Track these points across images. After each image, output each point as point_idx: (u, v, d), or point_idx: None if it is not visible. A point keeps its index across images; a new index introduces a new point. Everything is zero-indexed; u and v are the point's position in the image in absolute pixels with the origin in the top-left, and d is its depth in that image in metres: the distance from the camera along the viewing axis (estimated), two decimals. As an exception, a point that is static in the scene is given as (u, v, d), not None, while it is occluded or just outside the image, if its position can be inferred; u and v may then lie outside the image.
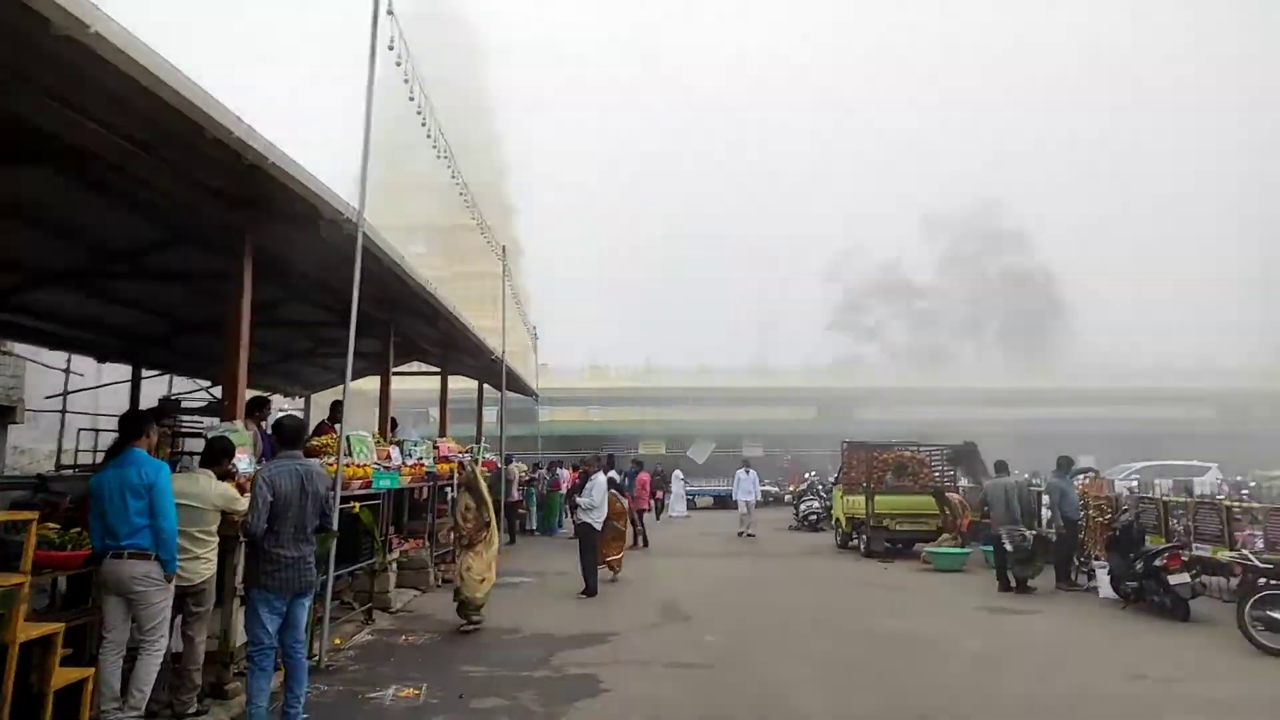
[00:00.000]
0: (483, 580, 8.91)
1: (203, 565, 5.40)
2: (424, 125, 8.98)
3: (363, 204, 7.22)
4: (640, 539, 17.51)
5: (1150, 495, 12.18)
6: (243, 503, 5.36)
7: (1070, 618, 9.98)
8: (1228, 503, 10.54)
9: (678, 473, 30.04)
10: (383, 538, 9.44)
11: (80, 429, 14.19)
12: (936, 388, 47.11)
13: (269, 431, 7.31)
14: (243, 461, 6.37)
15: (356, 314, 7.76)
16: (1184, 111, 67.54)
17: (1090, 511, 12.75)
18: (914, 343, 64.17)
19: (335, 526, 6.77)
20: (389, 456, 9.46)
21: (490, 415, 24.89)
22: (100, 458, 10.84)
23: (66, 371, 15.66)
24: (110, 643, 4.86)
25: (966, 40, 72.88)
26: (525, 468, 22.05)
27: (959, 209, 63.06)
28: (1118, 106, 70.90)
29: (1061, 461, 12.65)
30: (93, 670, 4.72)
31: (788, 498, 29.34)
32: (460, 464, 9.81)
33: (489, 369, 17.57)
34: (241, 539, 5.55)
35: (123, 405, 14.84)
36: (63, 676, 4.45)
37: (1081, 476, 13.66)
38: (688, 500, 30.13)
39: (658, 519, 25.03)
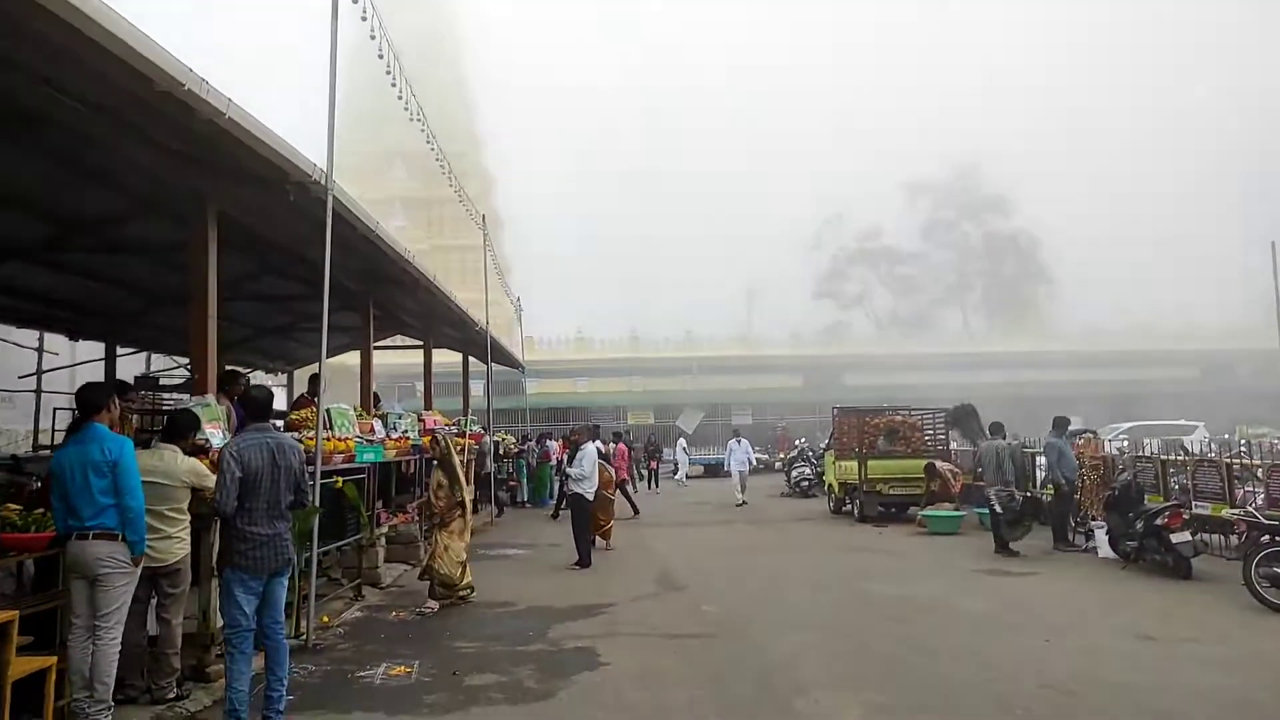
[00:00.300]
0: (460, 561, 8.62)
1: (175, 545, 5.11)
2: (392, 81, 8.55)
3: (330, 164, 6.83)
4: (631, 508, 17.38)
5: (1148, 454, 12.05)
6: (213, 478, 5.05)
7: (1070, 579, 9.87)
8: (1227, 460, 10.40)
9: (682, 441, 30.35)
10: (369, 512, 9.16)
11: (56, 408, 13.77)
12: (922, 353, 47.19)
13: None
14: (215, 436, 6.08)
15: (332, 285, 7.41)
16: (1161, 65, 67.13)
17: (1086, 472, 12.63)
18: (899, 309, 64.28)
19: (314, 501, 6.51)
20: (372, 430, 9.17)
21: (477, 389, 24.63)
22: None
23: (39, 350, 15.24)
24: (79, 628, 4.57)
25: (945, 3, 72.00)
26: (513, 440, 21.79)
27: (940, 173, 62.49)
28: (1095, 60, 70.34)
29: (1058, 421, 12.51)
30: (53, 660, 4.43)
31: (778, 464, 29.29)
32: (434, 438, 9.33)
33: (473, 341, 17.25)
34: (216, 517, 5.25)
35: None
36: (21, 666, 4.16)
37: (1078, 438, 13.53)
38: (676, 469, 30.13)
39: (651, 488, 24.90)
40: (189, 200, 6.87)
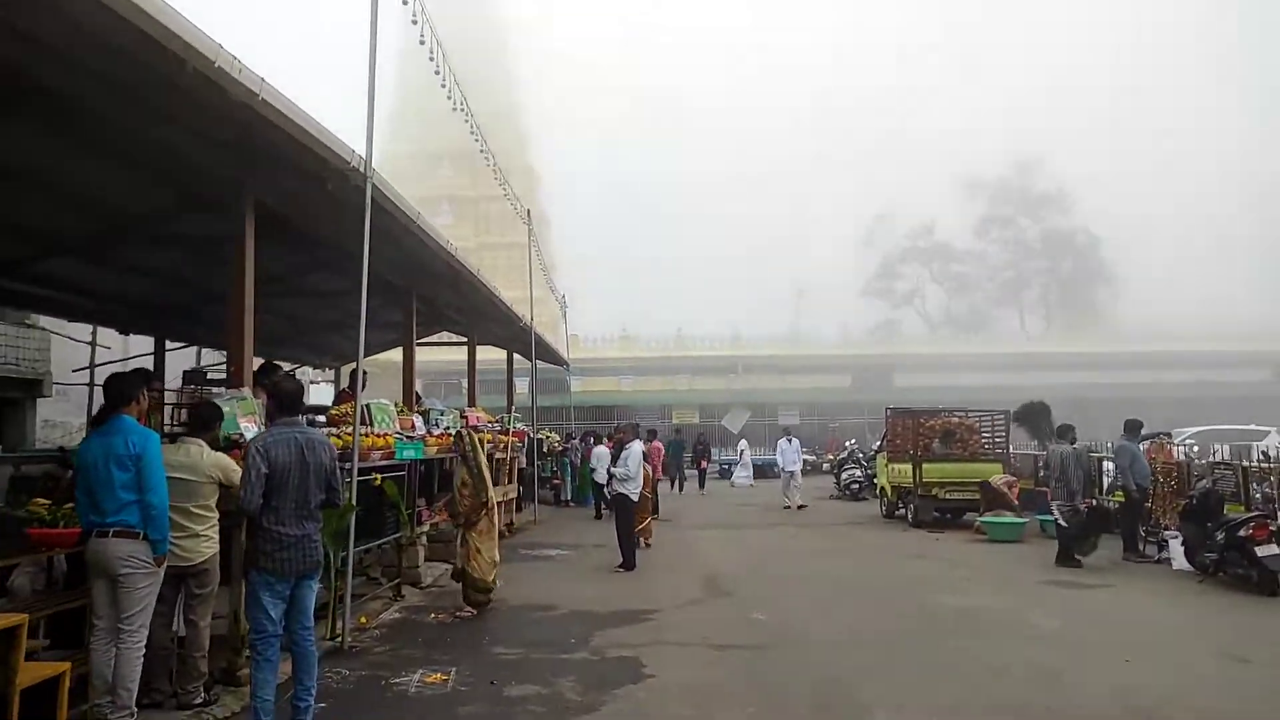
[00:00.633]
0: (493, 563, 8.30)
1: (203, 543, 4.89)
2: (441, 82, 8.36)
3: (369, 153, 6.59)
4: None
5: (1228, 460, 11.30)
6: (240, 474, 4.82)
7: (1146, 592, 9.25)
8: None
9: (744, 443, 29.96)
10: (409, 510, 8.94)
11: (106, 402, 13.89)
12: (977, 353, 45.96)
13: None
14: (250, 430, 5.86)
15: (375, 280, 7.24)
16: (1231, 55, 64.29)
17: (1159, 477, 11.91)
18: (952, 308, 62.78)
19: (348, 499, 6.28)
20: (413, 426, 8.95)
21: (522, 387, 24.49)
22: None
23: (92, 344, 15.47)
24: (101, 630, 4.38)
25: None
26: (557, 437, 21.57)
27: (996, 168, 60.83)
28: (1160, 50, 67.60)
29: (1130, 424, 11.78)
30: (66, 666, 4.23)
31: (826, 466, 28.68)
32: (458, 434, 8.94)
33: (518, 338, 17.05)
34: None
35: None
36: (32, 673, 3.96)
37: (1150, 442, 12.79)
38: (726, 469, 29.93)
39: (700, 490, 24.51)
40: (228, 190, 6.70)
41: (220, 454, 5.05)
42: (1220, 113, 63.69)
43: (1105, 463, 13.68)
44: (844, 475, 22.56)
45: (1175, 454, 12.80)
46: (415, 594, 9.07)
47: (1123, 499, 11.98)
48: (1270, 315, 47.60)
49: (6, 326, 14.20)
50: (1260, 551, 8.88)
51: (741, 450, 29.27)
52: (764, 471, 27.94)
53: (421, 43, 8.15)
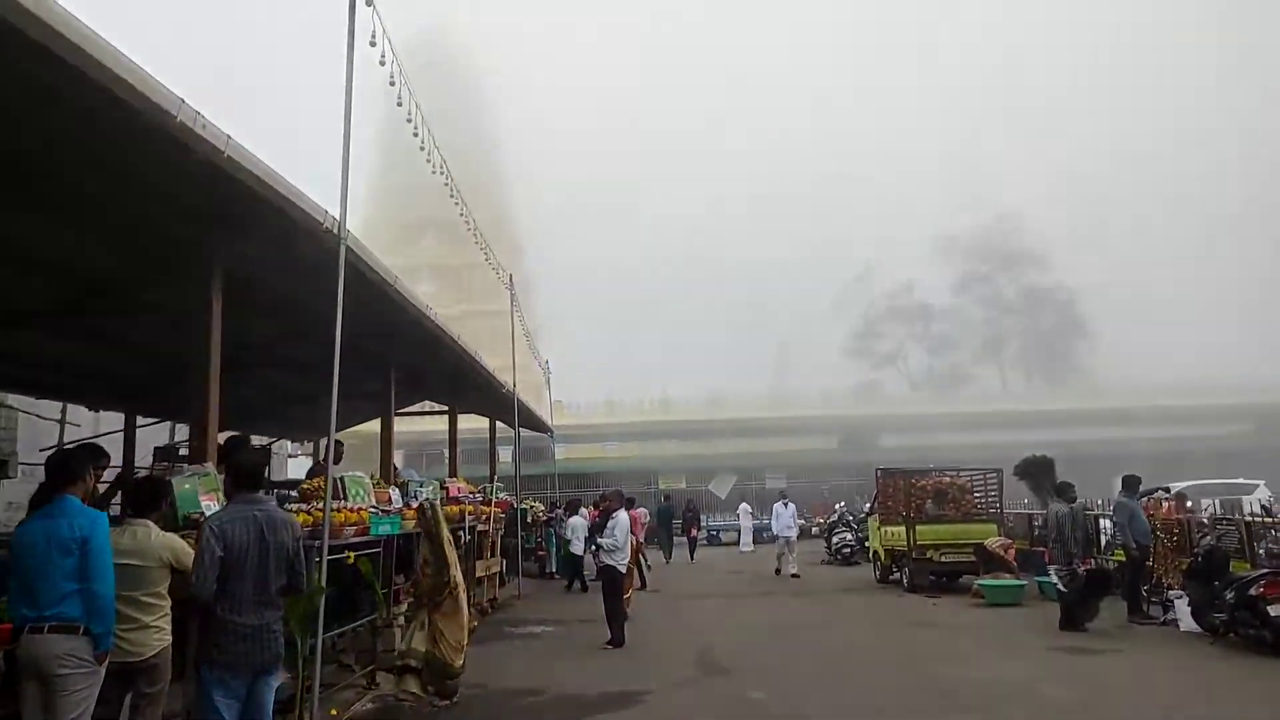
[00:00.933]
0: (459, 648, 7.72)
1: (152, 635, 4.44)
2: (414, 131, 8.20)
3: (344, 214, 6.37)
4: (640, 579, 16.28)
5: (1231, 516, 11.05)
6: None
7: (1158, 657, 8.87)
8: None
9: (745, 505, 29.53)
10: (385, 589, 8.47)
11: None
12: (960, 412, 45.95)
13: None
14: (212, 508, 5.48)
15: (354, 348, 6.95)
16: (1207, 111, 66.25)
17: (1160, 534, 11.62)
18: (934, 366, 63.07)
19: (318, 580, 5.87)
20: (389, 500, 8.54)
21: (505, 455, 23.99)
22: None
23: (61, 422, 14.96)
24: (34, 740, 3.92)
25: (975, 56, 72.20)
26: (542, 507, 21.02)
27: (973, 227, 61.88)
28: (1139, 110, 69.62)
29: (1128, 480, 11.52)
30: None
31: (815, 530, 28.18)
32: (420, 508, 8.39)
33: (501, 405, 16.72)
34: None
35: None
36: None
37: (1147, 499, 12.52)
38: (714, 535, 29.51)
39: (690, 559, 23.87)
40: (195, 256, 6.45)
41: (171, 535, 4.64)
42: (1197, 157, 65.28)
43: (1102, 520, 13.42)
44: (835, 539, 22.07)
45: (1175, 510, 12.44)
46: (391, 680, 8.51)
47: (1123, 558, 11.66)
48: (1249, 370, 48.05)
49: (-29, 405, 13.75)
50: (1273, 611, 8.56)
51: (741, 514, 29.07)
52: (757, 535, 27.61)
53: (381, 63, 7.89)
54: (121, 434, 14.06)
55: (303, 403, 15.06)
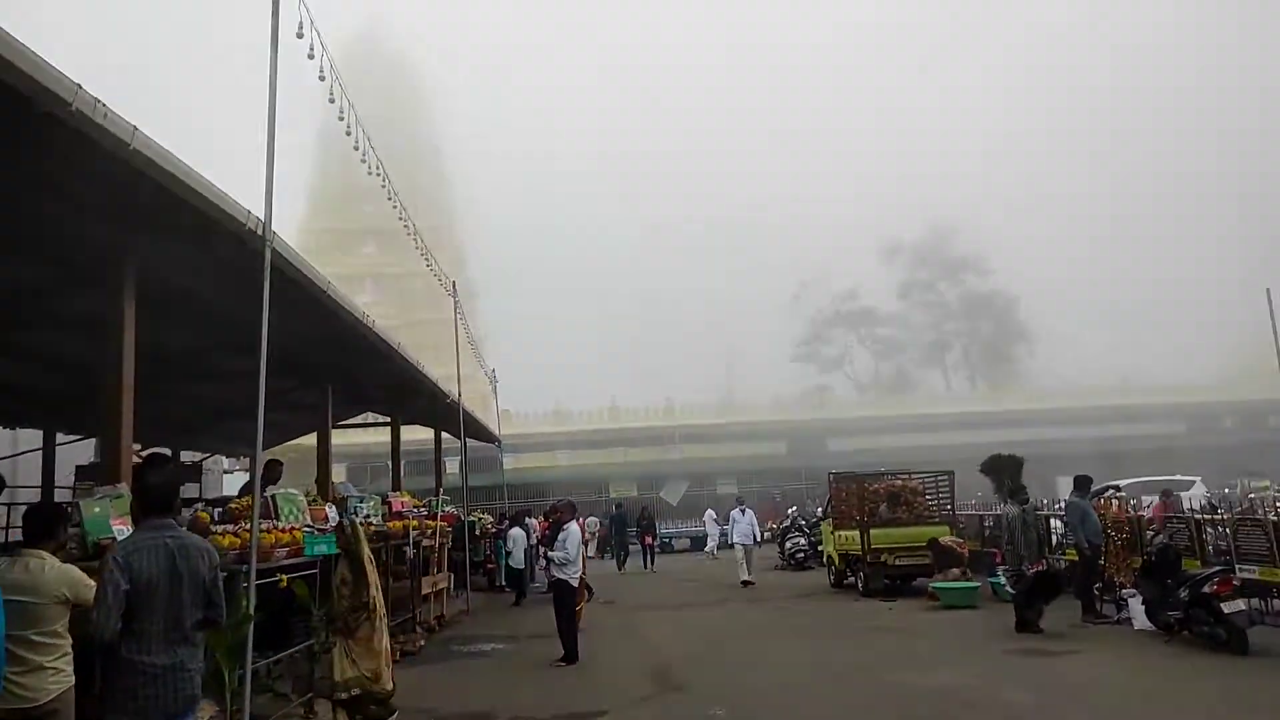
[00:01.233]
0: (376, 676, 7.20)
1: (50, 679, 3.95)
2: (347, 130, 7.78)
3: (269, 214, 5.93)
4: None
5: (1180, 514, 11.16)
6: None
7: (1116, 657, 8.84)
8: (1274, 517, 9.52)
9: (710, 511, 28.79)
10: (322, 610, 7.98)
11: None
12: (907, 414, 46.48)
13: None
14: (124, 532, 5.00)
15: (288, 358, 6.52)
16: (1141, 108, 68.66)
17: (1110, 533, 11.70)
18: (880, 371, 64.00)
19: (246, 607, 5.43)
20: (326, 518, 8.06)
21: (452, 466, 23.41)
22: (18, 535, 9.01)
23: (-28, 443, 14.07)
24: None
25: (921, 64, 73.95)
26: (491, 519, 20.52)
27: (915, 234, 63.13)
28: (1069, 116, 71.92)
29: (1080, 480, 11.56)
30: None
31: (766, 535, 28.13)
32: (339, 525, 7.83)
33: (446, 416, 16.21)
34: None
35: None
36: None
37: (1097, 498, 12.62)
38: (667, 543, 29.30)
39: (647, 567, 23.56)
40: (103, 258, 5.95)
41: (69, 566, 4.15)
42: (1130, 159, 67.57)
43: (1053, 520, 13.51)
44: (789, 544, 22.00)
45: (1127, 508, 12.54)
46: (328, 708, 8.02)
47: (1074, 558, 11.71)
48: (1178, 370, 49.79)
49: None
50: (1227, 608, 8.59)
51: (707, 520, 28.74)
52: (701, 544, 27.56)
53: (331, 100, 7.59)
54: (40, 451, 13.28)
55: (238, 417, 14.38)
